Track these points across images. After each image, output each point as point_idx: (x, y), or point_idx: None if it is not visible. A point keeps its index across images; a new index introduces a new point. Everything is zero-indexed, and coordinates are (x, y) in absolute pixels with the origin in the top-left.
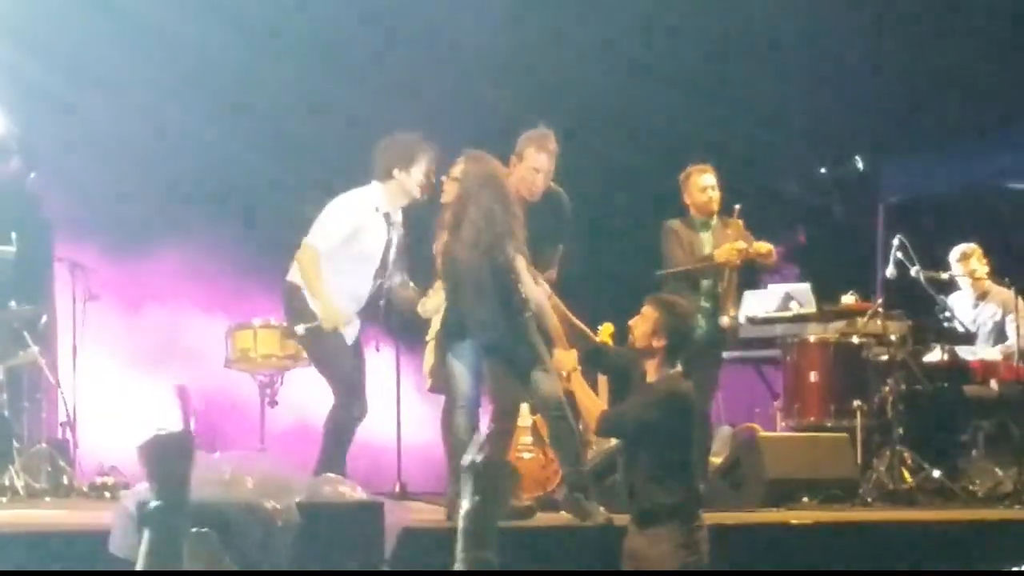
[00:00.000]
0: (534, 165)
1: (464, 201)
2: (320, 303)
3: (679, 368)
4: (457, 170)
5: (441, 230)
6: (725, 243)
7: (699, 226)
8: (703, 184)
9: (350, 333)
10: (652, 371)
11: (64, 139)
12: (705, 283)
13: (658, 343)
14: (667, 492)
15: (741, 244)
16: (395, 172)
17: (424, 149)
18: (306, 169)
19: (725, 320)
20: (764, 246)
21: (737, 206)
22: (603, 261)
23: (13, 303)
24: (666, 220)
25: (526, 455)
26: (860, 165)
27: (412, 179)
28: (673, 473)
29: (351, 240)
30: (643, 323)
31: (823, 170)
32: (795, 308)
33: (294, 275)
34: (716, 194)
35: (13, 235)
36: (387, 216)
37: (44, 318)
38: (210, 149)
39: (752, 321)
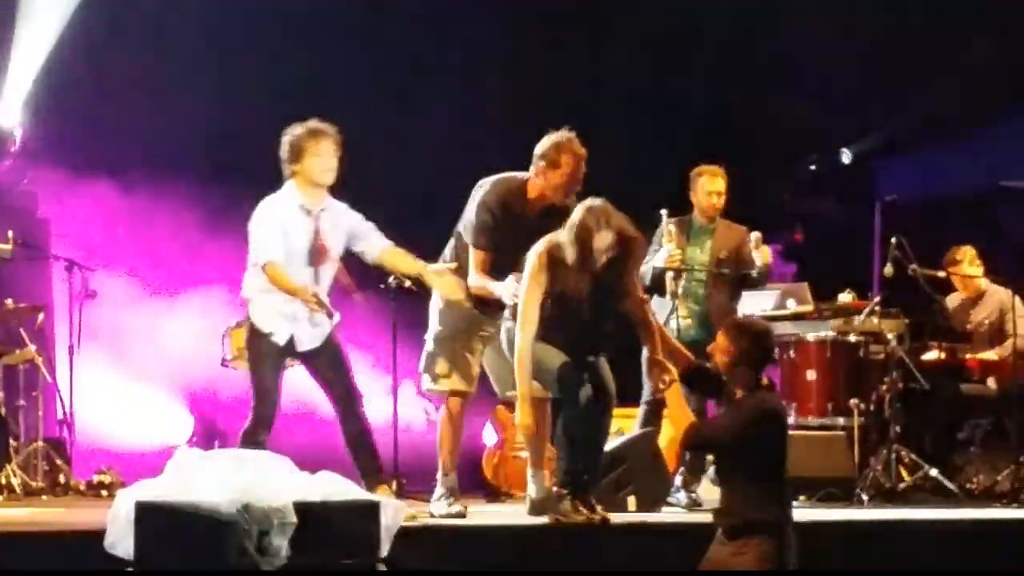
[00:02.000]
0: (569, 172)
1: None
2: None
3: (765, 381)
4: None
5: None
6: (726, 247)
7: (698, 228)
8: (710, 188)
9: (301, 335)
10: (741, 391)
11: (64, 135)
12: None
13: (739, 364)
14: (757, 509)
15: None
16: (292, 168)
17: (311, 139)
18: None
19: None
20: (767, 253)
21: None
22: None
23: (10, 301)
24: (669, 219)
25: (523, 454)
26: (846, 158)
27: (309, 170)
28: (764, 490)
29: (282, 242)
30: (720, 350)
31: (812, 167)
32: (792, 306)
33: (247, 290)
34: (721, 200)
35: (9, 233)
36: (306, 211)
37: (41, 316)
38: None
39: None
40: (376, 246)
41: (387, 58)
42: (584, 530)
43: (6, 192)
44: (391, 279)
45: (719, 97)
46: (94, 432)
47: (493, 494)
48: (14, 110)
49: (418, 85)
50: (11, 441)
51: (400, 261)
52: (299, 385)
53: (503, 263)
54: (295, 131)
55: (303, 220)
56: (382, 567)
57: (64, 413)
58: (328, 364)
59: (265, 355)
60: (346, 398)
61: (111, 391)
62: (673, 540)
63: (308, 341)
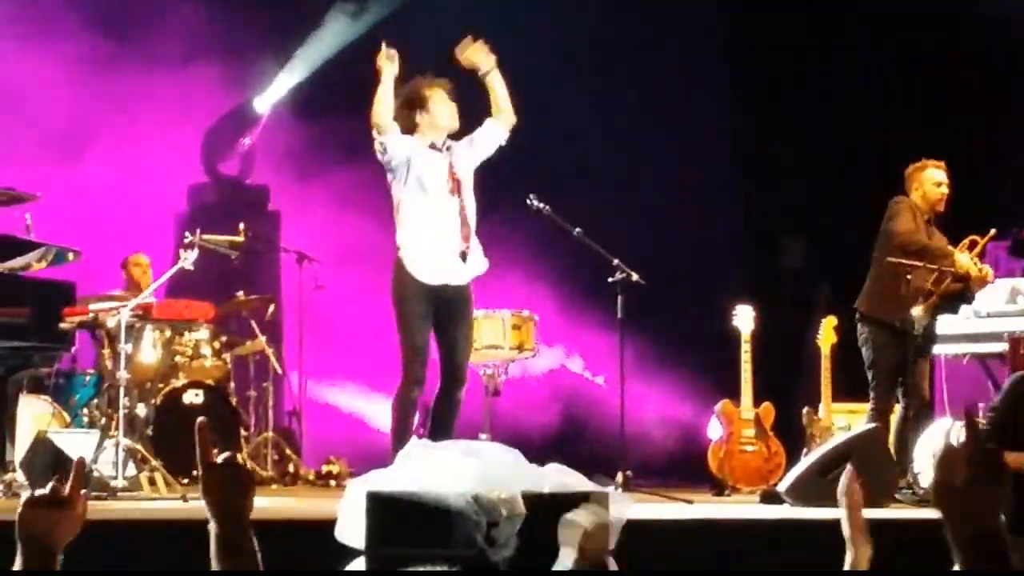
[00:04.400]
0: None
1: None
2: None
3: None
4: None
5: None
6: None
7: (924, 219)
8: (938, 179)
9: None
10: None
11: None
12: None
13: None
14: None
15: (980, 268)
16: (417, 118)
17: (431, 88)
18: None
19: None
20: (988, 271)
21: (992, 231)
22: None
23: (241, 293)
24: (900, 196)
25: (749, 448)
26: None
27: (435, 115)
28: None
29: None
30: None
31: None
32: (1022, 303)
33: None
34: (948, 191)
35: (241, 225)
36: (437, 149)
37: (271, 308)
38: None
39: (978, 315)
40: (486, 123)
41: None
42: (815, 524)
43: (238, 185)
44: (618, 274)
45: (944, 86)
46: (324, 423)
47: (719, 488)
48: (267, 104)
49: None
50: (242, 431)
51: (495, 99)
52: (520, 386)
53: None
54: (414, 85)
55: (438, 157)
56: (611, 560)
57: (294, 404)
58: (462, 323)
59: (417, 310)
60: (456, 375)
61: (340, 382)
62: (904, 535)
63: (460, 276)
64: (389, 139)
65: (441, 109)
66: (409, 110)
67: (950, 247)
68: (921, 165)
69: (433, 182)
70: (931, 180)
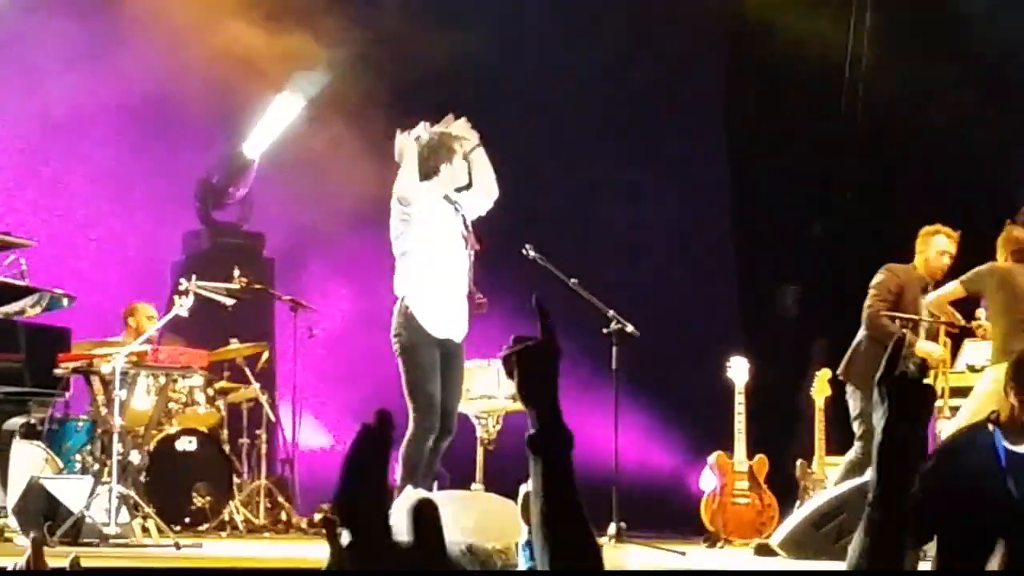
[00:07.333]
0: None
1: None
2: None
3: None
4: None
5: None
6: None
7: (920, 284)
8: (943, 248)
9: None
10: None
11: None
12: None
13: None
14: None
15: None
16: (435, 166)
17: (453, 142)
18: None
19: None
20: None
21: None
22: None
23: (234, 340)
24: (891, 264)
25: (742, 500)
26: None
27: (455, 171)
28: None
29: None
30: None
31: None
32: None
33: (401, 285)
34: (950, 262)
35: (236, 271)
36: (451, 201)
37: (265, 355)
38: None
39: (972, 369)
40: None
41: None
42: None
43: (234, 232)
44: (613, 325)
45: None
46: (317, 470)
47: (712, 540)
48: (257, 149)
49: None
50: (234, 478)
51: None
52: (516, 435)
53: None
54: (446, 136)
55: (451, 212)
56: None
57: (287, 452)
58: (457, 378)
59: (428, 359)
60: (447, 426)
61: (333, 429)
62: None
63: (460, 332)
64: (415, 202)
65: (463, 166)
66: (435, 156)
67: (903, 331)
68: (933, 230)
69: (447, 236)
70: (936, 247)
